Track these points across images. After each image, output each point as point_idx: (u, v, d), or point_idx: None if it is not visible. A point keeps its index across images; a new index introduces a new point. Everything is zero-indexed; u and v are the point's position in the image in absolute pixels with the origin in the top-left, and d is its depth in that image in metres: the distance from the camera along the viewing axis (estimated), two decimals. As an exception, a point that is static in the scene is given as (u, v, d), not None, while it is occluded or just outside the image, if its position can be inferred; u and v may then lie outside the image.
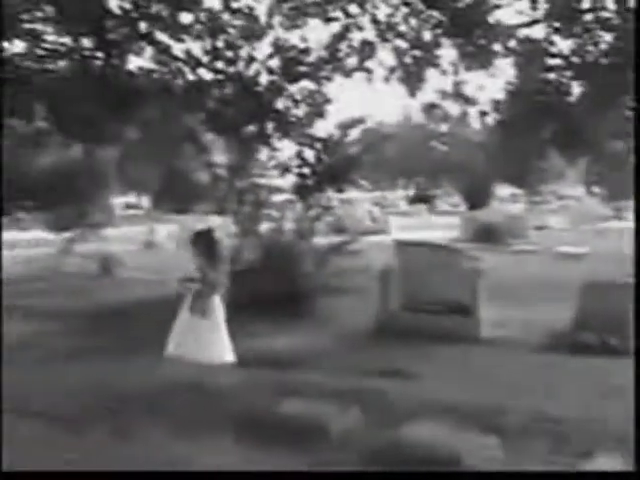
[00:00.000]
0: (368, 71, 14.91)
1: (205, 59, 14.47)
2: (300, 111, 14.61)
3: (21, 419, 6.74)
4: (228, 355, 8.10)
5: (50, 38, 15.22)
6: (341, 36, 14.43)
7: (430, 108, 16.47)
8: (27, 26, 14.98)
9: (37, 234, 24.95)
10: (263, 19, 14.29)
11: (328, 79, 14.61)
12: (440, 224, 36.81)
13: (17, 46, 15.28)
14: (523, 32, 14.34)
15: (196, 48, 14.46)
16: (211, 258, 7.86)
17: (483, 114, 17.20)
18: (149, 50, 15.00)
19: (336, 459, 5.78)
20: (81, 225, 21.42)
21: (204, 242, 7.94)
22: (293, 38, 14.44)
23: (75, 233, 21.28)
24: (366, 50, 14.58)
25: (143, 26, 14.71)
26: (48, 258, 20.49)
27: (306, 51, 14.30)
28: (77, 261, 20.23)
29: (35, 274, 19.32)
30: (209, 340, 7.92)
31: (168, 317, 11.89)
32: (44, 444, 6.16)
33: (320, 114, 14.60)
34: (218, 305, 8.03)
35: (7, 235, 27.37)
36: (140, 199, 64.53)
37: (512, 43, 14.25)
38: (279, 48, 14.32)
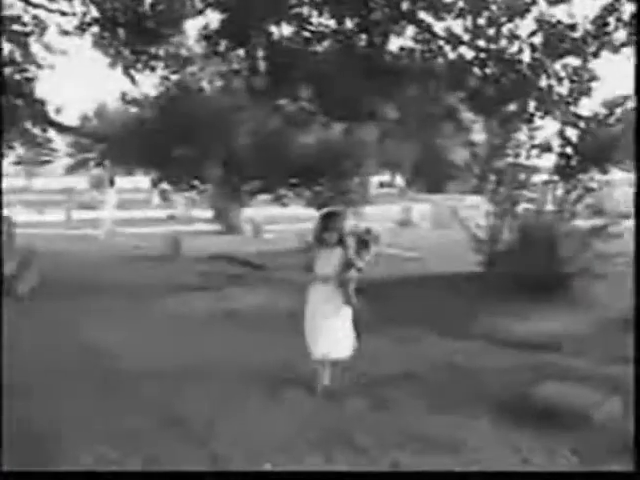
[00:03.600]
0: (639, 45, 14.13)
1: (466, 37, 14.34)
2: (564, 89, 14.12)
3: (294, 387, 7.12)
4: (349, 349, 7.14)
5: (315, 21, 15.72)
6: (610, 9, 13.77)
7: None
8: (295, 10, 15.58)
9: (297, 210, 25.96)
10: (527, -6, 13.94)
11: (595, 55, 13.99)
12: None
13: (285, 29, 15.96)
14: None
15: (457, 26, 14.37)
16: (344, 240, 7.02)
17: None
18: (410, 30, 15.11)
19: (593, 445, 5.63)
20: (339, 202, 22.00)
21: (337, 223, 7.03)
22: (558, 13, 13.95)
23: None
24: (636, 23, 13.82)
25: (405, 5, 14.82)
26: (308, 234, 21.25)
27: (572, 26, 13.77)
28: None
29: (297, 249, 20.15)
30: (338, 333, 7.07)
31: (425, 294, 12.07)
32: (306, 411, 6.48)
33: (585, 92, 14.03)
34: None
35: (271, 211, 28.82)
36: (394, 178, 65.50)
37: None
38: (543, 24, 13.89)
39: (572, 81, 14.03)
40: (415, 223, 29.12)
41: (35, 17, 17.48)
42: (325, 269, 7.04)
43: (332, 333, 7.02)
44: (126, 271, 16.64)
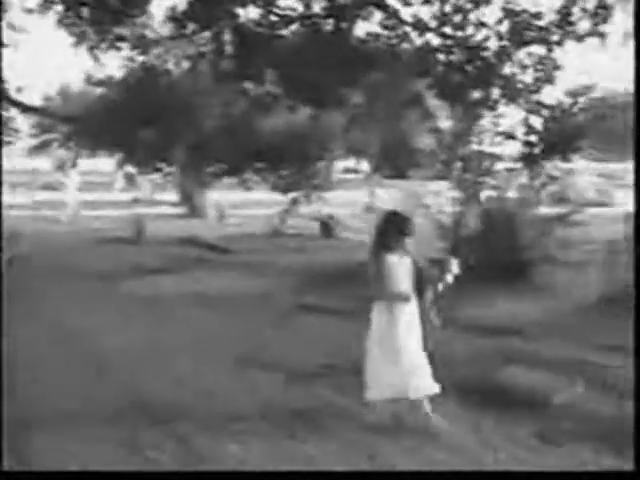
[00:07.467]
0: (602, 36, 14.24)
1: (433, 24, 14.39)
2: (528, 77, 14.24)
3: (260, 370, 7.18)
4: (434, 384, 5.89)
5: (282, 4, 15.67)
6: (575, -1, 13.90)
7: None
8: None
9: (261, 195, 25.98)
10: (494, -18, 14.01)
11: (559, 44, 14.10)
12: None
13: (252, 12, 15.89)
14: None
15: (424, 12, 14.42)
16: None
17: None
18: (377, 15, 15.11)
19: (553, 428, 5.77)
20: (304, 187, 22.03)
21: (413, 226, 5.81)
22: (524, 1, 14.04)
23: (299, 195, 21.94)
24: (601, 13, 13.94)
25: (372, -10, 14.83)
26: (273, 218, 21.30)
27: (537, 15, 13.87)
28: (300, 222, 20.92)
29: (261, 233, 20.21)
30: (416, 362, 5.83)
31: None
32: (275, 393, 6.53)
33: (549, 80, 14.17)
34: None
35: (236, 195, 28.77)
36: (359, 163, 65.51)
37: None
38: (509, 12, 13.96)
39: (536, 70, 14.16)
40: (379, 208, 29.17)
41: (-2, -6, 17.23)
42: (405, 285, 5.82)
43: (427, 364, 5.92)
44: (91, 254, 16.57)
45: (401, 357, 5.75)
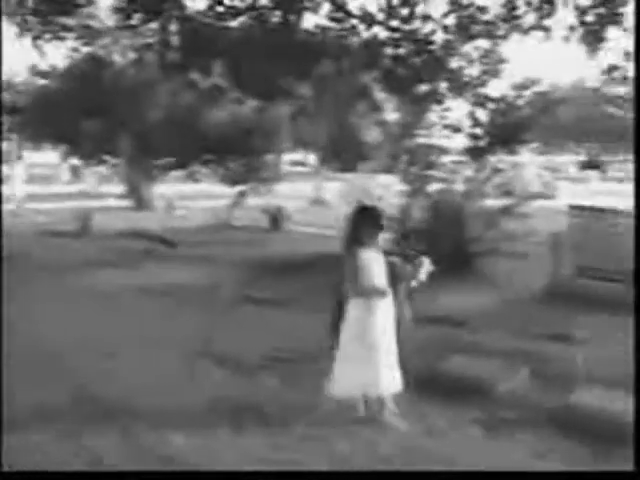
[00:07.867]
0: (546, 30, 14.45)
1: (380, 17, 14.46)
2: (474, 70, 14.41)
3: (207, 362, 7.18)
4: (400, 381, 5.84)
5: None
6: (520, -8, 14.07)
7: (611, 70, 15.71)
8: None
9: (209, 187, 25.85)
10: (439, -24, 14.15)
11: (504, 38, 14.30)
12: (614, 191, 35.47)
13: (199, 3, 15.81)
14: None
15: (372, 5, 14.50)
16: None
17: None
18: (325, 7, 15.15)
19: (496, 416, 5.89)
20: (252, 180, 21.99)
21: (384, 220, 5.70)
22: (470, -5, 14.19)
23: (247, 187, 21.89)
24: (545, 8, 14.14)
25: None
26: (221, 211, 21.20)
27: (483, 9, 14.03)
28: (248, 214, 20.87)
29: (209, 225, 20.12)
30: (388, 361, 5.72)
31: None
32: (222, 385, 6.53)
33: (494, 74, 14.36)
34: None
35: (183, 187, 28.62)
36: (306, 156, 65.41)
37: None
38: (456, 6, 14.10)
39: (482, 63, 14.33)
40: (327, 201, 29.26)
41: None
42: (380, 280, 5.65)
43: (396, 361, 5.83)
44: (36, 247, 16.28)
45: (375, 355, 5.62)
